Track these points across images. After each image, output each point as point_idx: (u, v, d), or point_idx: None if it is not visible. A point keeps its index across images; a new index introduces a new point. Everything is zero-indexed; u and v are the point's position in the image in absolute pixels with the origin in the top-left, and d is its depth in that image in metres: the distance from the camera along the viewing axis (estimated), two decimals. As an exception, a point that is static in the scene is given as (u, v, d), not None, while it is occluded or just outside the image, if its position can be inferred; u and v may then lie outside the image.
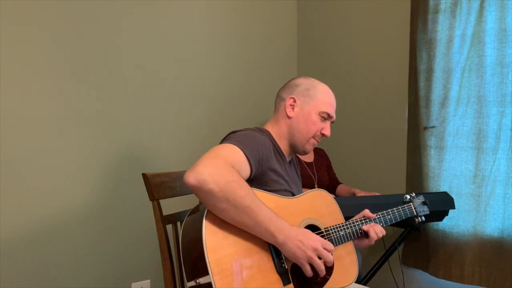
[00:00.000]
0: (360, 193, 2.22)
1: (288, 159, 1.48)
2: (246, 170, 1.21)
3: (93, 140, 2.10)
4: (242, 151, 1.21)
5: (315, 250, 1.15)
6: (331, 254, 1.20)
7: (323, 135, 1.45)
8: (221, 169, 1.11)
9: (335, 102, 1.48)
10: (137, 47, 2.23)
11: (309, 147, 1.45)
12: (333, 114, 1.46)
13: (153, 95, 2.30)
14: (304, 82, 1.47)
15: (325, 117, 1.44)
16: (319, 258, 1.18)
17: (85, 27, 2.06)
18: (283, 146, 1.44)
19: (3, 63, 1.85)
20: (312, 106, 1.43)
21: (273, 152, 1.36)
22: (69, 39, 2.02)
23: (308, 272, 1.17)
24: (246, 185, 1.14)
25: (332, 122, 1.48)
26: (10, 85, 1.87)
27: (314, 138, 1.44)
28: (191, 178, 1.08)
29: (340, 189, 2.41)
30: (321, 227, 1.33)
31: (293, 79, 1.51)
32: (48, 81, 1.97)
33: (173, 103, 2.38)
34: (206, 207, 1.13)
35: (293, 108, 1.44)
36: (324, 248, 1.18)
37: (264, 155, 1.29)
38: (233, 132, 1.34)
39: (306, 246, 1.14)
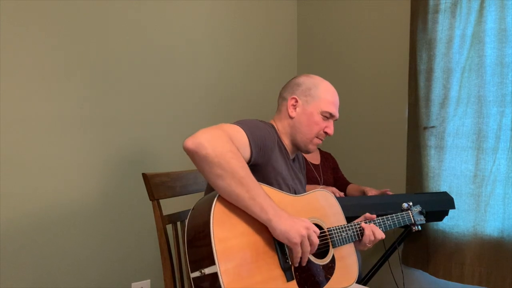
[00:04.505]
0: (371, 191, 2.21)
1: (292, 156, 1.48)
2: (246, 152, 1.21)
3: (93, 140, 2.10)
4: (246, 133, 1.22)
5: (307, 229, 1.15)
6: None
7: (326, 133, 1.45)
8: (220, 139, 1.12)
9: (338, 100, 1.47)
10: (137, 47, 2.23)
11: (312, 147, 1.45)
12: (335, 113, 1.45)
13: (153, 95, 2.30)
14: (306, 81, 1.46)
15: (328, 116, 1.43)
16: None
17: (85, 27, 2.06)
18: (286, 143, 1.45)
19: (3, 63, 1.85)
20: (314, 106, 1.42)
21: (276, 145, 1.36)
22: (69, 39, 2.02)
23: (298, 253, 1.16)
24: (242, 159, 1.14)
25: (335, 120, 1.48)
26: (11, 85, 1.87)
27: (318, 138, 1.44)
28: (189, 142, 1.10)
29: (350, 188, 2.41)
30: (324, 227, 1.33)
31: (295, 77, 1.50)
32: (48, 81, 1.97)
33: (173, 103, 2.38)
34: (213, 198, 1.12)
35: (295, 108, 1.44)
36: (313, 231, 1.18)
37: (267, 144, 1.29)
38: (241, 119, 1.34)
39: (300, 225, 1.14)
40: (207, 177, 1.12)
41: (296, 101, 1.44)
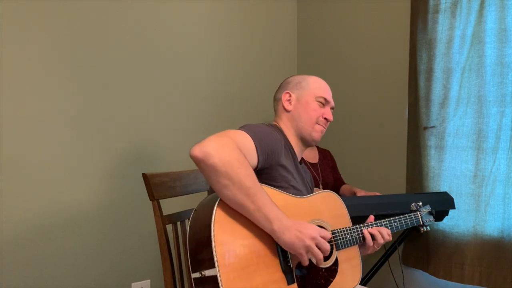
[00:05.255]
0: (360, 193, 2.22)
1: (299, 157, 1.48)
2: (253, 159, 1.21)
3: (93, 140, 2.10)
4: (252, 139, 1.22)
5: (313, 239, 1.15)
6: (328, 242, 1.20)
7: (326, 119, 1.47)
8: (227, 147, 1.12)
9: (330, 90, 1.51)
10: (137, 47, 2.23)
11: (317, 134, 1.46)
12: (330, 99, 1.49)
13: (153, 96, 2.30)
14: (295, 78, 1.52)
15: (323, 102, 1.47)
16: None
17: (86, 26, 2.06)
18: (292, 141, 1.45)
19: (3, 63, 1.85)
20: (308, 95, 1.46)
21: (284, 148, 1.36)
22: (69, 39, 2.02)
23: (306, 262, 1.17)
24: (250, 168, 1.14)
25: (332, 109, 1.51)
26: (10, 86, 1.87)
27: (319, 124, 1.46)
28: (196, 150, 1.10)
29: (343, 189, 2.42)
30: (328, 229, 1.32)
31: (283, 80, 1.55)
32: (47, 81, 1.97)
33: (173, 103, 2.38)
34: (215, 201, 1.13)
35: (290, 103, 1.47)
36: (321, 237, 1.18)
37: (274, 149, 1.29)
38: (247, 124, 1.35)
39: (305, 235, 1.14)
40: (213, 186, 1.12)
41: (290, 95, 1.47)
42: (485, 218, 2.11)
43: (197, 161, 1.11)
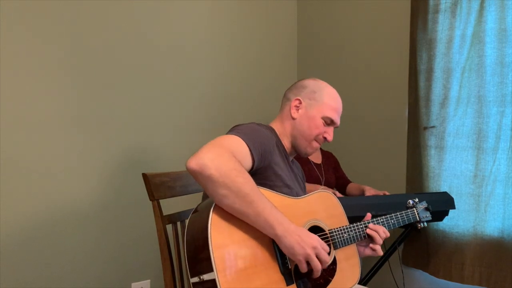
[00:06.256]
0: (369, 191, 2.22)
1: (290, 158, 1.48)
2: (248, 162, 1.21)
3: (93, 140, 2.10)
4: (245, 143, 1.21)
5: (314, 248, 1.15)
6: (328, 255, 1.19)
7: (325, 139, 1.45)
8: (223, 157, 1.11)
9: (341, 108, 1.48)
10: (137, 47, 2.23)
11: (311, 150, 1.45)
12: (337, 120, 1.46)
13: (153, 96, 2.30)
14: (311, 84, 1.47)
15: (329, 122, 1.44)
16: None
17: (85, 27, 2.06)
18: (286, 144, 1.45)
19: (3, 63, 1.85)
20: (317, 110, 1.43)
21: (276, 148, 1.36)
22: (69, 39, 2.02)
23: (304, 269, 1.16)
24: (247, 174, 1.14)
25: (335, 127, 1.48)
26: (10, 86, 1.87)
27: (316, 141, 1.45)
28: (192, 163, 1.09)
29: (350, 187, 2.42)
30: (325, 229, 1.32)
31: (301, 80, 1.51)
32: (48, 80, 1.97)
33: (173, 103, 2.38)
34: (212, 204, 1.13)
35: (298, 110, 1.44)
36: (322, 249, 1.18)
37: (268, 148, 1.29)
38: (238, 125, 1.34)
39: (306, 243, 1.14)
40: (212, 196, 1.12)
41: (300, 103, 1.44)
42: (485, 218, 2.11)
43: (194, 173, 1.10)
